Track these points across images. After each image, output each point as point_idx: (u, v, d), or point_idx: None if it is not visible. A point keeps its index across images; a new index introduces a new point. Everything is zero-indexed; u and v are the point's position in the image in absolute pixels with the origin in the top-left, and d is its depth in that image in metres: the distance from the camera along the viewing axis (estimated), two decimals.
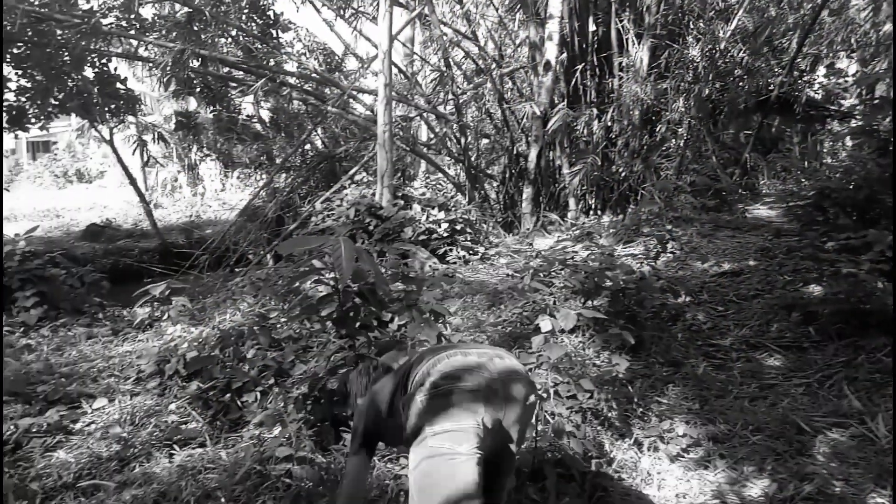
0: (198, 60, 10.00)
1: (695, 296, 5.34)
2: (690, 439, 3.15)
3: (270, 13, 10.70)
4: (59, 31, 9.05)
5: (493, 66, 10.89)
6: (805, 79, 11.63)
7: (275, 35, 10.84)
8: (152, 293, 5.29)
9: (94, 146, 25.51)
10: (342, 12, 11.69)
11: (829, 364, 3.82)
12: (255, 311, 5.37)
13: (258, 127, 14.62)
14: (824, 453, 2.91)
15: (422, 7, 10.26)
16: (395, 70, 10.06)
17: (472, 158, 10.93)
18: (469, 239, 8.16)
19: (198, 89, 11.40)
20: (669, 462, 3.02)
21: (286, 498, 2.80)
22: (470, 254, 7.81)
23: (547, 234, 8.50)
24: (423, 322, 3.61)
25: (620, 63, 9.26)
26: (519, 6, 9.95)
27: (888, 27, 9.18)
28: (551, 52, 9.10)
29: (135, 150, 13.76)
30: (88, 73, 9.88)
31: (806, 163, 10.87)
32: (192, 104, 16.11)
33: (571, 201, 9.46)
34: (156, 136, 14.34)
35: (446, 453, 1.83)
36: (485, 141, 12.49)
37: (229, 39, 11.00)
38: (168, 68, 9.26)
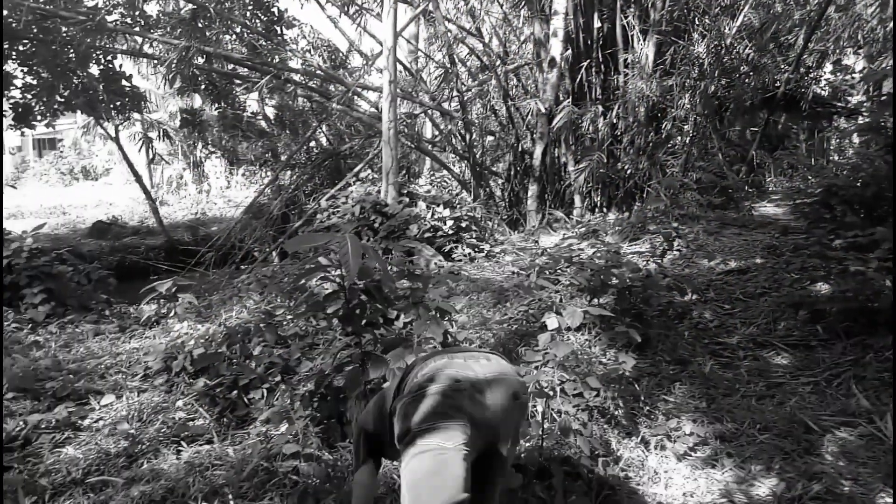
0: (202, 57, 10.02)
1: (701, 294, 5.32)
2: (697, 438, 3.14)
3: (275, 10, 10.69)
4: (64, 28, 9.08)
5: (498, 62, 10.88)
6: (811, 75, 11.60)
7: (279, 32, 10.83)
8: (159, 290, 5.31)
9: (100, 143, 25.57)
10: (346, 9, 11.66)
11: (836, 363, 3.80)
12: (262, 308, 5.38)
13: (263, 124, 14.65)
14: (832, 452, 2.90)
15: (426, 3, 10.23)
16: (399, 67, 10.05)
17: (477, 155, 10.92)
18: (474, 236, 8.15)
19: (203, 86, 11.43)
20: (676, 461, 3.01)
21: (293, 495, 2.81)
22: (475, 251, 7.80)
23: (552, 232, 8.48)
24: (429, 319, 3.60)
25: (626, 60, 9.23)
26: (523, 2, 9.94)
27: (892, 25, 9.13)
28: (556, 48, 9.08)
29: (140, 148, 13.79)
30: (94, 70, 9.92)
31: (813, 160, 10.85)
32: (197, 101, 16.14)
33: (577, 199, 9.45)
34: (161, 133, 14.36)
35: (433, 449, 1.87)
36: (490, 138, 12.49)
37: (234, 36, 11.00)
38: (173, 65, 9.27)
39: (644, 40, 9.01)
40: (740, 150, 10.33)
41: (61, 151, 29.74)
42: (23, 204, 19.60)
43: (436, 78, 12.55)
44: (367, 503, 2.26)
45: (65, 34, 9.10)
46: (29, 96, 9.48)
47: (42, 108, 9.60)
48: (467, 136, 10.71)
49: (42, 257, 6.09)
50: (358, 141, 12.38)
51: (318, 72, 11.36)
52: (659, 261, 5.56)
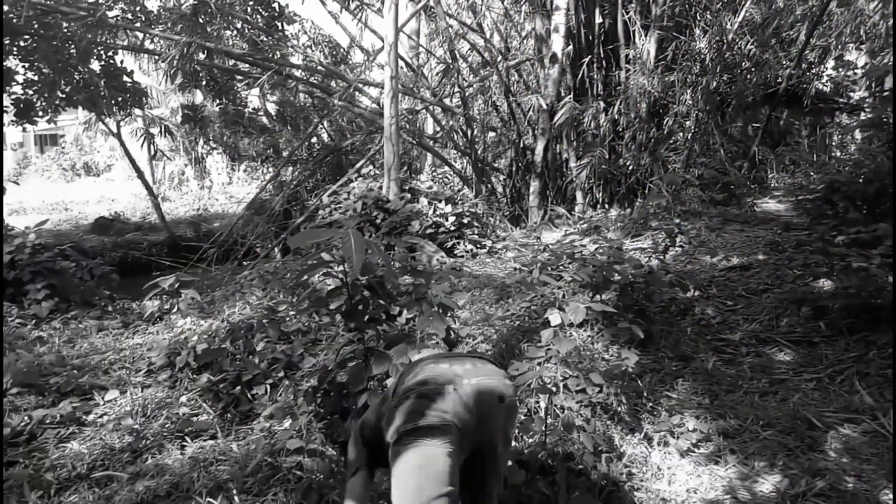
0: (203, 53, 10.00)
1: (704, 290, 5.33)
2: (701, 434, 3.14)
3: (275, 5, 10.68)
4: (64, 24, 9.07)
5: (499, 58, 10.86)
6: (813, 71, 11.56)
7: (280, 27, 10.82)
8: (162, 286, 5.31)
9: (102, 139, 25.58)
10: (347, 4, 11.65)
11: (839, 359, 3.80)
12: (264, 304, 5.38)
13: (264, 120, 14.64)
14: (836, 449, 2.90)
15: None
16: (400, 63, 10.03)
17: (479, 152, 10.91)
18: (476, 233, 8.15)
19: (204, 82, 11.42)
20: (680, 457, 3.02)
21: (297, 490, 2.82)
22: (477, 247, 7.80)
23: (554, 228, 8.48)
24: (432, 315, 3.61)
25: (627, 55, 9.21)
26: None
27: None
28: (557, 44, 9.07)
29: (143, 144, 13.79)
30: (95, 65, 9.91)
31: (815, 156, 10.82)
32: (199, 97, 16.13)
33: (579, 195, 9.45)
34: (163, 129, 14.36)
35: (419, 446, 1.95)
36: (491, 134, 12.48)
37: (235, 32, 10.99)
38: (175, 61, 9.26)
39: (645, 36, 8.99)
40: (742, 147, 10.32)
41: (63, 147, 29.76)
42: (25, 200, 19.62)
43: (437, 74, 12.53)
44: None
45: (66, 30, 9.09)
46: (30, 92, 9.48)
47: (43, 103, 9.61)
48: (469, 132, 10.70)
49: (45, 253, 6.10)
50: (359, 137, 12.37)
51: (320, 68, 11.35)
52: (661, 257, 5.56)
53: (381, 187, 8.52)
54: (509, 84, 10.52)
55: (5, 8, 8.28)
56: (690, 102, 9.07)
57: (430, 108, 12.18)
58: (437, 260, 7.00)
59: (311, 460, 3.03)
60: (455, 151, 12.52)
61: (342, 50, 12.90)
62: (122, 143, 13.39)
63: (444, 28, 10.09)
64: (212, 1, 9.42)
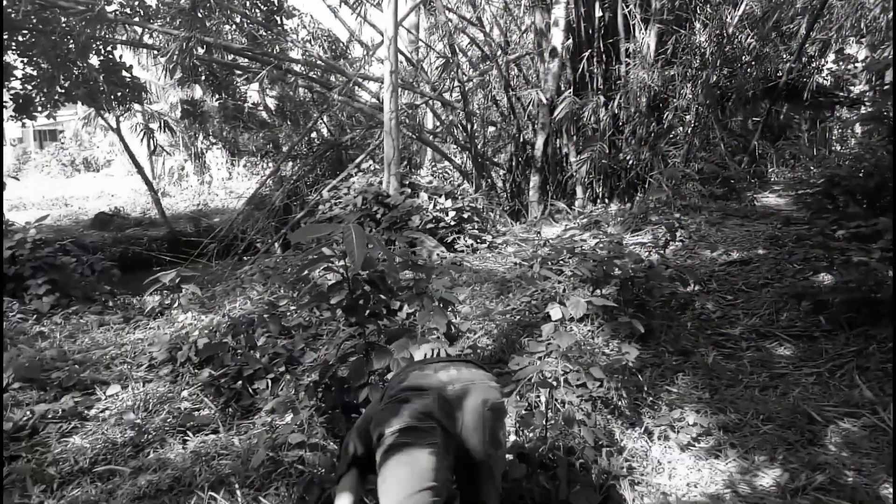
0: (202, 48, 9.98)
1: (704, 285, 5.33)
2: (701, 428, 3.15)
3: None
4: (63, 18, 9.04)
5: (499, 52, 10.83)
6: (814, 65, 11.54)
7: (279, 22, 10.79)
8: (162, 281, 5.32)
9: (101, 135, 25.54)
10: None
11: (839, 353, 3.80)
12: (265, 299, 5.39)
13: (264, 115, 14.63)
14: (836, 443, 2.91)
15: None
16: (400, 57, 10.01)
17: (479, 146, 10.90)
18: (476, 227, 8.15)
19: (203, 77, 11.39)
20: (680, 451, 3.02)
21: (299, 484, 2.83)
22: (477, 242, 7.80)
23: (554, 223, 8.49)
24: (433, 310, 3.61)
25: (627, 49, 9.20)
26: None
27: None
28: (557, 38, 9.05)
29: (142, 139, 13.77)
30: (93, 60, 9.88)
31: (815, 150, 10.81)
32: (198, 92, 16.10)
33: (579, 189, 9.45)
34: (162, 124, 14.34)
35: (402, 444, 2.02)
36: (491, 129, 12.46)
37: (233, 26, 10.96)
38: (174, 56, 9.24)
39: (645, 29, 8.97)
40: (742, 141, 10.30)
41: (62, 143, 29.71)
42: (25, 195, 19.60)
43: (437, 68, 12.51)
44: None
45: (64, 24, 9.07)
46: (29, 87, 9.46)
47: (42, 98, 9.59)
48: (469, 127, 10.68)
49: (46, 248, 6.10)
50: (359, 132, 12.36)
51: (319, 62, 11.33)
52: (661, 252, 5.56)
53: (381, 182, 8.52)
54: (509, 78, 10.50)
55: (4, 2, 8.25)
56: (690, 96, 9.06)
57: (430, 102, 12.16)
58: (438, 255, 7.01)
59: (312, 454, 3.04)
60: (455, 146, 12.51)
61: (341, 44, 12.87)
62: (122, 139, 13.37)
63: (443, 22, 10.07)
64: None
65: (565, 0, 8.84)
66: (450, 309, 3.93)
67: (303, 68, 11.41)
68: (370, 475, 2.29)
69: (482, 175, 10.57)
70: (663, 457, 2.98)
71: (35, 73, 9.37)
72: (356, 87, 11.56)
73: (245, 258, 9.48)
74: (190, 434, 3.41)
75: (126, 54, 11.81)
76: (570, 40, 9.31)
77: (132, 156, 13.44)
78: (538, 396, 3.40)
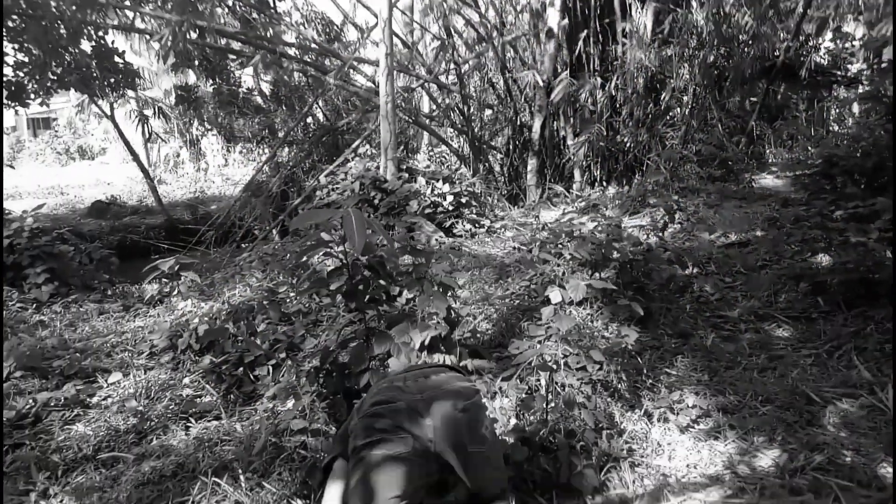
0: (195, 32, 9.88)
1: (702, 267, 5.35)
2: (700, 410, 3.17)
3: None
4: (53, 3, 8.93)
5: (495, 33, 10.75)
6: (811, 44, 11.48)
7: (271, 4, 10.68)
8: (161, 268, 5.31)
9: (95, 122, 25.38)
10: None
11: (838, 334, 3.82)
12: (264, 286, 5.40)
13: (259, 100, 14.52)
14: (834, 423, 2.93)
15: None
16: (395, 40, 9.93)
17: (476, 130, 10.86)
18: (474, 212, 8.15)
19: (196, 62, 11.29)
20: (679, 433, 3.04)
21: (302, 469, 2.84)
22: (476, 227, 7.80)
23: (552, 207, 8.49)
24: (433, 295, 3.62)
25: (624, 29, 9.13)
26: None
27: None
28: (553, 18, 8.99)
29: (137, 126, 13.68)
30: (85, 46, 9.78)
31: (812, 130, 10.79)
32: (192, 78, 15.95)
33: (577, 172, 9.43)
34: (156, 110, 14.23)
35: (372, 457, 2.12)
36: (488, 112, 12.40)
37: (226, 9, 10.85)
38: (167, 41, 9.14)
39: (642, 9, 8.91)
40: (740, 122, 10.28)
41: (56, 131, 29.50)
42: (20, 184, 19.49)
43: (432, 50, 12.42)
44: None
45: (54, 9, 8.95)
46: (21, 74, 9.37)
47: (35, 85, 9.50)
48: (465, 110, 10.63)
49: (43, 237, 6.08)
50: (355, 116, 12.29)
51: (313, 45, 11.24)
52: (660, 234, 5.58)
53: (378, 167, 8.49)
54: (505, 60, 10.44)
55: None
56: (688, 77, 9.03)
57: (426, 85, 12.09)
58: (436, 240, 7.01)
59: (314, 440, 3.06)
60: (452, 130, 12.46)
61: (335, 27, 12.76)
62: (116, 126, 13.26)
63: (438, 3, 9.98)
64: None
65: None
66: (449, 294, 3.93)
67: (297, 52, 11.32)
68: None
69: (479, 159, 10.55)
70: (663, 438, 3.00)
71: (27, 59, 9.28)
72: (351, 71, 11.49)
73: (243, 245, 9.46)
74: (192, 421, 3.42)
75: (118, 39, 11.73)
76: (566, 21, 9.25)
77: (127, 143, 13.35)
78: (538, 380, 3.42)
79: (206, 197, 16.88)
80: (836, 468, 2.55)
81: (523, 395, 3.32)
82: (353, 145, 10.72)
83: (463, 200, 8.13)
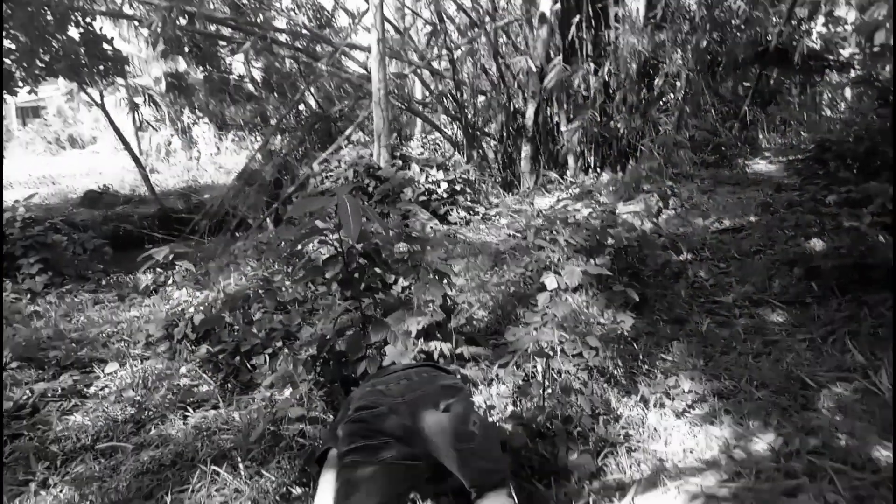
0: (185, 17, 9.77)
1: (697, 253, 5.37)
2: (696, 395, 3.19)
3: None
4: None
5: (487, 18, 10.67)
6: (804, 28, 11.46)
7: None
8: (156, 258, 5.29)
9: (85, 110, 25.12)
10: None
11: (831, 319, 3.84)
12: (260, 274, 5.38)
13: (250, 87, 14.41)
14: (829, 407, 2.96)
15: None
16: (387, 25, 9.86)
17: (469, 116, 10.81)
18: (469, 199, 8.14)
19: (187, 49, 11.18)
20: (676, 418, 3.07)
21: (301, 457, 2.86)
22: (470, 214, 7.79)
23: (546, 194, 8.49)
24: (429, 282, 3.62)
25: (616, 14, 9.09)
26: None
27: None
28: (545, 3, 8.93)
29: (128, 114, 13.55)
30: (73, 33, 9.65)
31: (805, 115, 10.80)
32: (182, 65, 15.79)
33: (570, 159, 9.42)
34: (147, 98, 14.10)
35: (352, 464, 2.13)
36: (481, 98, 12.34)
37: None
38: (158, 28, 9.04)
39: None
40: (733, 107, 10.28)
41: (45, 119, 29.19)
42: (10, 174, 19.28)
43: (424, 35, 12.33)
44: None
45: None
46: (8, 61, 9.24)
47: (23, 73, 9.38)
48: (458, 97, 10.58)
49: (36, 227, 6.05)
50: (348, 103, 12.22)
51: (304, 31, 11.14)
52: (654, 220, 5.58)
53: (371, 154, 8.46)
54: (498, 45, 10.37)
55: None
56: (681, 62, 9.00)
57: (419, 71, 12.01)
58: (431, 227, 7.00)
59: (312, 427, 3.08)
60: (445, 116, 12.40)
61: (326, 13, 12.65)
62: (107, 114, 13.13)
63: None
64: None
65: None
66: (445, 281, 3.93)
67: (288, 38, 11.22)
68: None
69: (473, 146, 10.51)
70: (659, 424, 3.02)
71: (13, 46, 9.15)
72: (343, 57, 11.41)
73: (237, 234, 9.43)
74: (190, 410, 3.43)
75: (106, 25, 11.56)
76: (559, 5, 9.19)
77: (118, 131, 13.22)
78: (535, 366, 3.44)
79: (198, 186, 16.74)
80: (831, 451, 2.58)
81: (520, 382, 3.33)
82: (346, 132, 10.66)
83: (457, 188, 8.12)
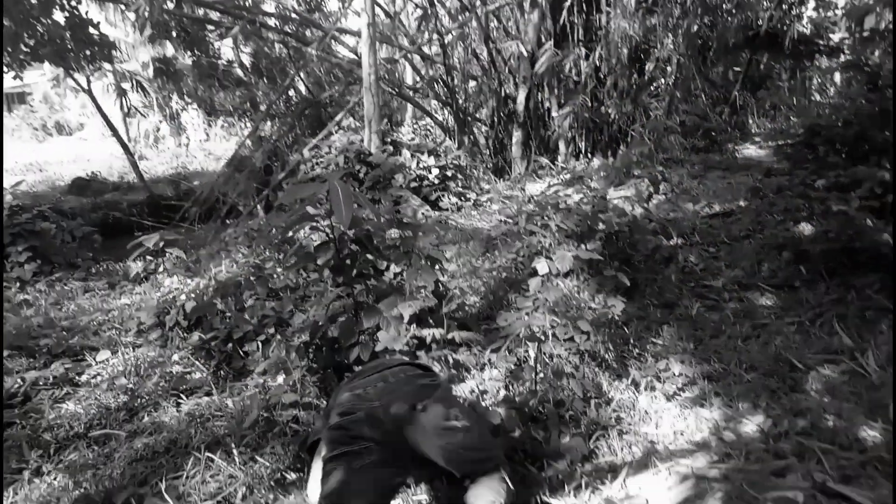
0: (172, 1, 9.64)
1: (687, 237, 5.39)
2: (686, 378, 3.23)
3: None
4: None
5: (478, 2, 10.60)
6: (794, 12, 11.47)
7: None
8: (146, 245, 5.27)
9: (72, 96, 24.80)
10: None
11: (820, 302, 3.88)
12: (251, 261, 5.37)
13: (239, 73, 14.28)
14: (817, 389, 3.00)
15: None
16: (377, 9, 9.77)
17: (460, 102, 10.77)
18: (460, 185, 8.13)
19: (174, 33, 11.05)
20: (666, 401, 3.10)
21: (294, 443, 2.87)
22: (462, 200, 7.79)
23: (538, 179, 8.49)
24: (421, 268, 3.63)
25: None
26: None
27: None
28: None
29: (115, 100, 13.40)
30: (59, 17, 9.51)
31: (795, 100, 10.83)
32: (170, 50, 15.61)
33: (562, 144, 9.42)
34: (134, 84, 13.93)
35: (332, 470, 2.16)
36: (472, 83, 12.29)
37: None
38: (145, 12, 8.92)
39: None
40: (723, 92, 10.30)
41: (31, 105, 28.80)
42: None
43: (415, 20, 12.24)
44: None
45: None
46: None
47: (7, 58, 9.25)
48: (449, 82, 10.53)
49: (24, 215, 6.00)
50: (338, 88, 12.14)
51: (294, 16, 11.03)
52: (645, 205, 5.60)
53: (362, 140, 8.42)
54: (489, 30, 10.31)
55: None
56: (672, 47, 8.99)
57: (409, 56, 11.94)
58: (423, 213, 6.99)
59: (306, 413, 3.09)
60: (436, 102, 12.34)
61: None
62: (94, 100, 12.97)
63: None
64: None
65: None
66: (437, 267, 3.94)
67: (277, 22, 11.11)
68: None
69: (464, 131, 10.49)
70: (650, 406, 3.06)
71: None
72: (333, 42, 11.30)
73: (228, 221, 9.39)
74: (183, 397, 3.43)
75: (92, 9, 11.39)
76: None
77: (105, 118, 13.08)
78: (527, 351, 3.46)
79: (188, 172, 16.60)
80: (819, 432, 2.61)
81: (512, 367, 3.35)
82: (337, 118, 10.59)
83: (448, 174, 8.11)
